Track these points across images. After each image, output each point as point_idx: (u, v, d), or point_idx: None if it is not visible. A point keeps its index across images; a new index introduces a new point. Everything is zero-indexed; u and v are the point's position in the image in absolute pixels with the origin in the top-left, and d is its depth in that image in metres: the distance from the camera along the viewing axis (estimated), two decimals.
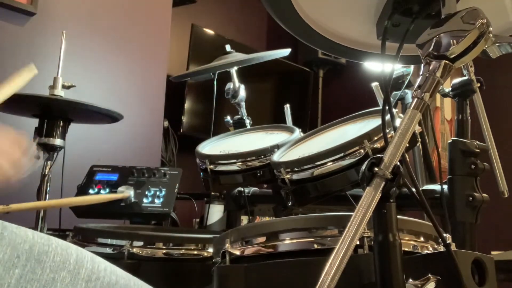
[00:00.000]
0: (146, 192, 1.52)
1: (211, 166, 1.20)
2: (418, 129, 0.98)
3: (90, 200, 1.44)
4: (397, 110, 1.25)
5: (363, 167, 0.62)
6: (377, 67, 2.25)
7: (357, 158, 0.91)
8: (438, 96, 2.92)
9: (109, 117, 1.66)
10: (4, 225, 0.56)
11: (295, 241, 0.79)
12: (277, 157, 1.08)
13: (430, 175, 1.73)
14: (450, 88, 1.39)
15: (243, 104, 1.72)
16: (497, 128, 1.41)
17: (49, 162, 1.64)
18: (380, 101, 1.42)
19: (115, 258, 1.10)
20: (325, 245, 0.77)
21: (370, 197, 0.59)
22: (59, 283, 0.55)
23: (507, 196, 1.25)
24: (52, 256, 0.56)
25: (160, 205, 1.50)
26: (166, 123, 2.87)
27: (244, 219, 2.17)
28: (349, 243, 0.56)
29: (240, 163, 1.18)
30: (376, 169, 0.60)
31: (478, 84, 1.34)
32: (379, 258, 0.64)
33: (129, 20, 2.48)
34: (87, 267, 0.58)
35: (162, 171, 1.60)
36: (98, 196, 1.48)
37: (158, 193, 1.53)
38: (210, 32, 3.23)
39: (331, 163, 0.92)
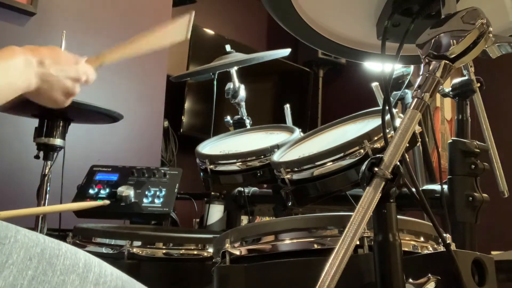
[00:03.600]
0: (146, 192, 1.52)
1: (211, 166, 1.20)
2: (418, 129, 0.98)
3: (71, 207, 1.46)
4: (397, 110, 1.25)
5: (363, 167, 0.62)
6: (377, 67, 2.25)
7: (357, 158, 0.91)
8: (438, 96, 2.92)
9: (109, 117, 1.66)
10: (17, 229, 0.57)
11: (295, 241, 0.79)
12: (277, 157, 1.08)
13: (430, 175, 1.73)
14: (450, 88, 1.39)
15: (243, 104, 1.72)
16: (497, 128, 1.41)
17: (49, 162, 1.64)
18: (380, 101, 1.42)
19: (115, 258, 1.10)
20: (325, 245, 0.77)
21: (370, 197, 0.59)
22: (69, 285, 0.57)
23: (507, 196, 1.25)
24: (63, 260, 0.58)
25: (160, 205, 1.50)
26: (166, 123, 2.87)
27: (244, 219, 2.17)
28: (349, 243, 0.56)
29: (240, 163, 1.18)
30: (376, 169, 0.60)
31: (478, 84, 1.34)
32: (379, 258, 0.64)
33: (129, 20, 2.48)
34: (95, 271, 0.60)
35: (162, 171, 1.60)
36: (79, 204, 1.48)
37: (158, 193, 1.52)
38: (210, 32, 3.23)
39: (331, 163, 0.92)
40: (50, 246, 0.58)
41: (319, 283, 0.53)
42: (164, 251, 1.12)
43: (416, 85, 0.67)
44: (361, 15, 0.86)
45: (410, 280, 0.66)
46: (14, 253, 0.54)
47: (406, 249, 0.77)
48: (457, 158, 1.16)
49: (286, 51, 1.76)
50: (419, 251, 0.79)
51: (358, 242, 0.70)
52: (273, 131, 1.37)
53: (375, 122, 1.02)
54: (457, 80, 1.37)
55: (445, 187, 1.16)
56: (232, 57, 1.70)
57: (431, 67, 0.67)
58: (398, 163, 0.61)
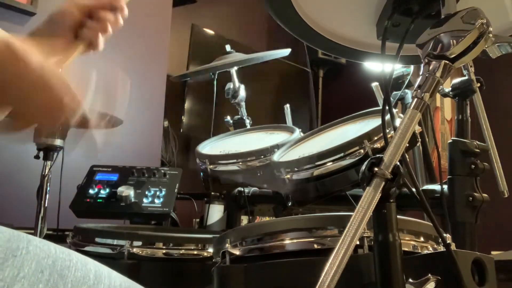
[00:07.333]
0: (146, 192, 1.52)
1: (211, 166, 1.20)
2: (418, 129, 0.98)
3: None
4: (397, 110, 1.25)
5: (363, 167, 0.62)
6: (377, 67, 2.25)
7: (357, 158, 0.91)
8: (438, 96, 2.92)
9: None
10: (29, 239, 0.56)
11: (295, 241, 0.79)
12: (277, 157, 1.08)
13: (430, 175, 1.73)
14: (450, 88, 1.39)
15: (243, 104, 1.72)
16: (497, 128, 1.41)
17: (49, 163, 1.64)
18: (380, 101, 1.42)
19: (115, 258, 1.10)
20: (325, 245, 0.77)
21: (370, 197, 0.59)
22: None
23: (507, 196, 1.25)
24: (74, 271, 0.57)
25: (160, 205, 1.50)
26: (166, 123, 2.87)
27: (244, 219, 2.16)
28: (349, 243, 0.56)
29: (240, 163, 1.18)
30: (376, 169, 0.60)
31: (478, 84, 1.34)
32: (379, 258, 0.64)
33: (129, 20, 2.47)
34: (105, 283, 0.59)
35: (162, 171, 1.60)
36: None
37: (158, 193, 1.52)
38: (210, 32, 3.23)
39: (331, 163, 0.92)
40: (61, 257, 0.57)
41: (319, 283, 0.53)
42: (164, 251, 1.12)
43: (416, 85, 0.67)
44: (361, 15, 0.86)
45: (410, 280, 0.66)
46: (26, 265, 0.53)
47: (406, 249, 0.77)
48: (457, 158, 1.16)
49: (286, 51, 1.76)
50: (419, 251, 0.79)
51: (358, 242, 0.70)
52: (273, 131, 1.37)
53: (375, 122, 1.02)
54: (457, 80, 1.37)
55: (445, 187, 1.16)
56: (232, 57, 1.71)
57: (431, 67, 0.67)
58: (398, 163, 0.61)
